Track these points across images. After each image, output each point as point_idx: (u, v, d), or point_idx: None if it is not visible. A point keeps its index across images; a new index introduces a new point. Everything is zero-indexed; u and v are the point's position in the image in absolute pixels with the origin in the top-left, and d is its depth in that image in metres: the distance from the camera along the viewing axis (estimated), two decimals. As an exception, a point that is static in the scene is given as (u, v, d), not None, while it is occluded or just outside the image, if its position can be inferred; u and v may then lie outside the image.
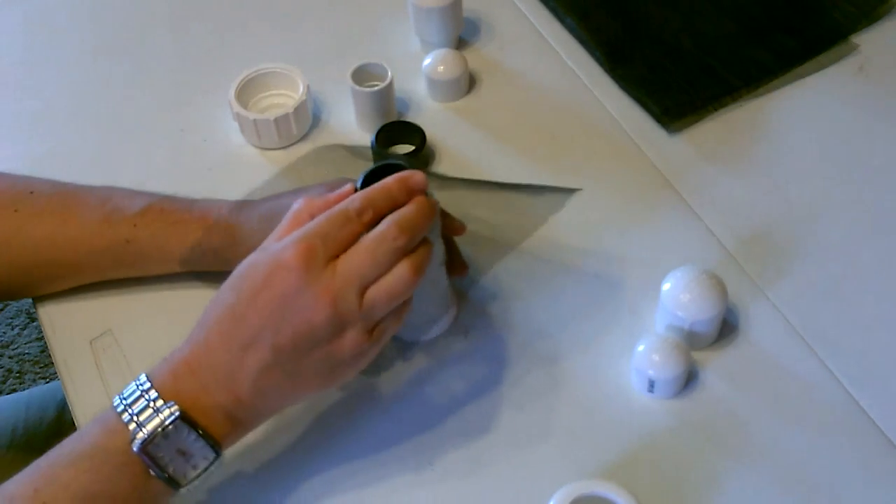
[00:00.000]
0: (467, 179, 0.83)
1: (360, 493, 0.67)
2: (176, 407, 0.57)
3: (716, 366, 0.72)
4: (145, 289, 0.77)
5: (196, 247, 0.72)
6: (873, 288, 0.76)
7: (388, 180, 0.60)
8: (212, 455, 0.58)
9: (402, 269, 0.59)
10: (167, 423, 0.57)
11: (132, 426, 0.57)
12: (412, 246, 0.59)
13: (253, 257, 0.59)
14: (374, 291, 0.58)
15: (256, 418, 0.61)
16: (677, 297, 0.70)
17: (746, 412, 0.70)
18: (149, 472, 0.57)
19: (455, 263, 0.71)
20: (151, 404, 0.57)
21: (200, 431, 0.57)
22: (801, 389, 0.71)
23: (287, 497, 0.67)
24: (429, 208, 0.60)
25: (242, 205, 0.73)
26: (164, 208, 0.72)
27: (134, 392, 0.58)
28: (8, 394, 1.61)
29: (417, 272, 0.59)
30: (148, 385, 0.58)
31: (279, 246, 0.58)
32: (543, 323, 0.75)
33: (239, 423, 0.60)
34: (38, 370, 1.66)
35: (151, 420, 0.57)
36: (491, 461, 0.68)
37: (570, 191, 0.82)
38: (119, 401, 0.58)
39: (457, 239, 0.72)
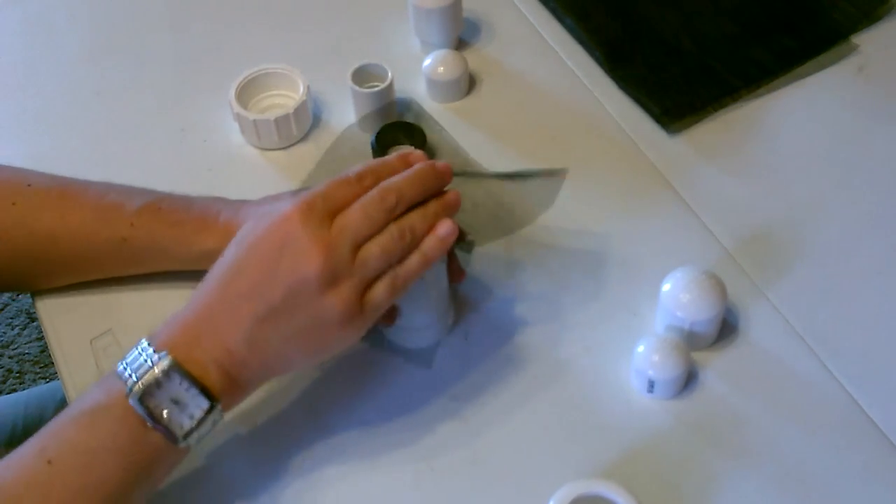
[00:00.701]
0: (463, 173, 0.83)
1: (360, 493, 0.67)
2: (168, 356, 0.58)
3: (716, 366, 0.72)
4: (145, 289, 0.77)
5: (193, 248, 0.72)
6: (873, 288, 0.76)
7: (390, 156, 0.63)
8: (206, 404, 0.58)
9: (394, 229, 0.61)
10: (159, 372, 0.57)
11: (129, 380, 0.58)
12: (402, 208, 0.61)
13: (257, 216, 0.61)
14: (367, 247, 0.60)
15: (249, 376, 0.61)
16: (677, 297, 0.70)
17: (746, 412, 0.70)
18: (146, 424, 0.57)
19: (452, 270, 0.71)
20: (145, 356, 0.58)
21: (193, 379, 0.58)
22: (801, 389, 0.71)
23: (286, 497, 0.67)
24: (423, 174, 0.62)
25: (240, 205, 0.73)
26: (161, 208, 0.72)
27: (133, 352, 0.59)
28: (8, 394, 1.61)
29: (409, 233, 0.61)
30: (146, 343, 0.59)
31: (282, 202, 0.60)
32: (543, 323, 0.75)
33: (232, 379, 0.60)
34: (38, 370, 1.66)
35: (146, 372, 0.58)
36: (490, 462, 0.68)
37: (559, 172, 0.82)
38: (122, 364, 0.59)
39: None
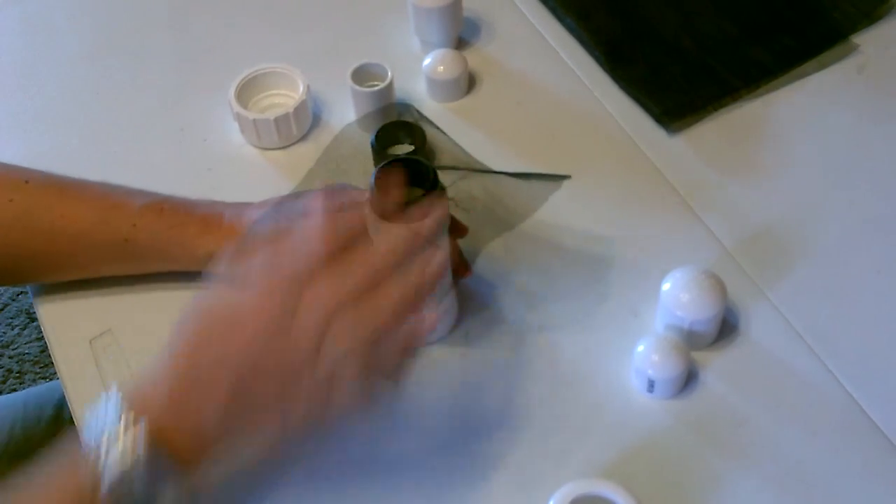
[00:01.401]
0: (462, 169, 0.83)
1: (360, 494, 0.67)
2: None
3: (716, 366, 0.72)
4: (145, 289, 0.77)
5: (196, 250, 0.72)
6: (873, 288, 0.76)
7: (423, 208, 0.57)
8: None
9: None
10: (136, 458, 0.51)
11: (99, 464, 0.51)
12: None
13: (240, 301, 0.54)
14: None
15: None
16: (677, 297, 0.70)
17: (746, 412, 0.70)
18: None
19: (457, 265, 0.71)
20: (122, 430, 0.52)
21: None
22: (801, 389, 0.71)
23: (284, 498, 0.67)
24: (437, 267, 0.56)
25: (244, 207, 0.73)
26: (164, 209, 0.72)
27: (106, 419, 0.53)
28: (7, 394, 1.61)
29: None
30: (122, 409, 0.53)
31: (272, 286, 0.53)
32: (543, 323, 0.75)
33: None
34: (38, 370, 1.66)
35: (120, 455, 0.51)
36: (490, 462, 0.68)
37: (560, 178, 0.82)
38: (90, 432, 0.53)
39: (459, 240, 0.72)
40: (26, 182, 0.73)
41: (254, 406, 0.54)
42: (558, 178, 0.82)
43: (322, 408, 0.54)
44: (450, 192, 0.81)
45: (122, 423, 0.52)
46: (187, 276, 0.76)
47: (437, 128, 0.85)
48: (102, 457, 0.51)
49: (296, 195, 0.73)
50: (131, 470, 0.51)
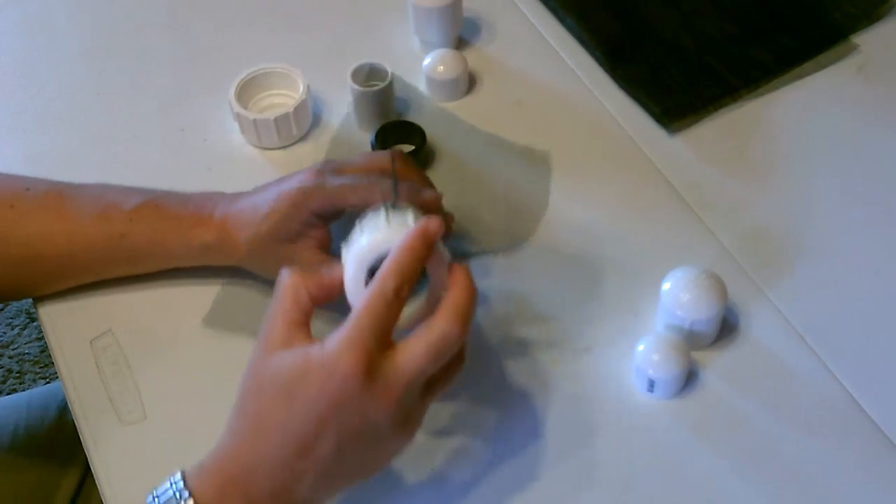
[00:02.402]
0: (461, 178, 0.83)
1: (360, 495, 0.67)
2: None
3: (716, 366, 0.72)
4: (145, 289, 0.77)
5: (191, 242, 0.72)
6: (873, 288, 0.76)
7: (410, 241, 0.56)
8: None
9: (459, 362, 0.60)
10: None
11: None
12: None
13: (292, 363, 0.55)
14: (437, 389, 0.59)
15: None
16: (677, 296, 0.70)
17: (746, 412, 0.70)
18: None
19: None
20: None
21: None
22: (801, 389, 0.71)
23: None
24: (471, 287, 0.58)
25: (235, 197, 0.73)
26: (158, 205, 0.72)
27: (171, 499, 0.56)
28: (8, 394, 1.61)
29: (466, 358, 0.60)
30: (188, 496, 0.56)
31: (330, 353, 0.54)
32: (543, 323, 0.75)
33: None
34: (38, 370, 1.66)
35: None
36: (490, 462, 0.68)
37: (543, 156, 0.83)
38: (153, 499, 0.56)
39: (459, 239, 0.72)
40: (27, 189, 0.74)
41: (320, 468, 0.56)
42: (540, 155, 0.82)
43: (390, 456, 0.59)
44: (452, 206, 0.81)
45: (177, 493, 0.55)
46: (188, 276, 0.76)
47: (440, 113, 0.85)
48: None
49: (279, 180, 0.72)
50: None
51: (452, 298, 0.57)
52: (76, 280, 0.76)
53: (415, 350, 0.55)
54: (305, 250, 0.69)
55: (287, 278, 0.58)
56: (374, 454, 0.57)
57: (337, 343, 0.54)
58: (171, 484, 0.57)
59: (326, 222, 0.70)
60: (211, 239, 0.71)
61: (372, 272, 0.58)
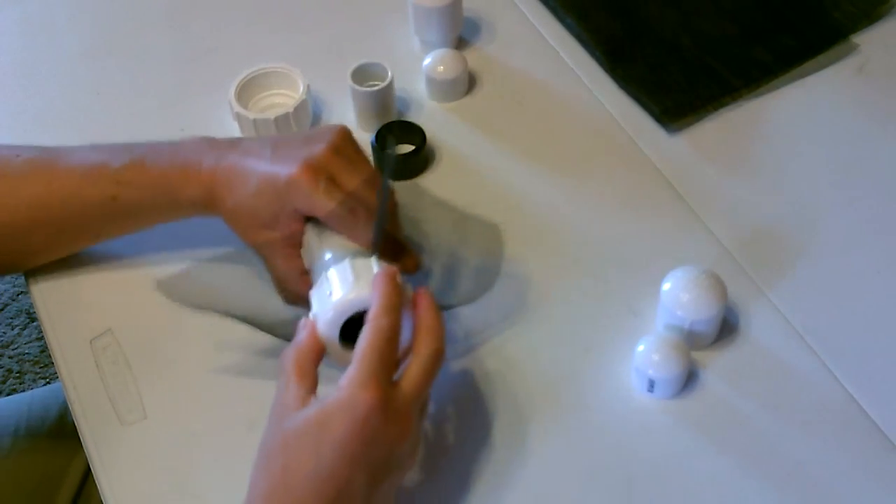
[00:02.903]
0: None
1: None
2: None
3: (716, 366, 0.72)
4: (145, 289, 0.77)
5: (179, 198, 0.71)
6: (873, 288, 0.76)
7: (387, 285, 0.61)
8: None
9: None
10: None
11: None
12: None
13: (312, 415, 0.57)
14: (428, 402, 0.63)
15: None
16: (677, 296, 0.70)
17: (746, 412, 0.70)
18: None
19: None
20: None
21: None
22: (801, 389, 0.71)
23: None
24: (436, 307, 0.63)
25: (224, 150, 0.71)
26: (146, 163, 0.72)
27: None
28: (8, 394, 1.61)
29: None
30: None
31: (347, 395, 0.57)
32: (543, 323, 0.75)
33: None
34: (38, 370, 1.66)
35: None
36: (490, 462, 0.68)
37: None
38: None
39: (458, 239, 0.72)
40: (17, 156, 0.74)
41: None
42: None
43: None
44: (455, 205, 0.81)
45: None
46: (187, 276, 0.76)
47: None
48: None
49: (269, 138, 0.72)
50: None
51: (426, 321, 0.62)
52: (74, 245, 0.76)
53: (415, 376, 0.60)
54: (277, 240, 0.68)
55: (292, 354, 0.61)
56: (397, 481, 0.61)
57: (349, 385, 0.57)
58: None
59: (304, 221, 0.69)
60: (197, 195, 0.70)
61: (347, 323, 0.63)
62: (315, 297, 0.65)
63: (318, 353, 0.62)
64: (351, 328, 0.63)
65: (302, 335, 0.62)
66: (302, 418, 0.57)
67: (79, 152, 0.74)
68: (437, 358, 0.61)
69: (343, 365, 0.60)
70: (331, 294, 0.63)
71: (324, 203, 0.66)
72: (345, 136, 0.70)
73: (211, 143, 0.72)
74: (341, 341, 0.63)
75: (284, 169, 0.66)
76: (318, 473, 0.56)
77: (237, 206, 0.69)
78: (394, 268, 0.64)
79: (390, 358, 0.59)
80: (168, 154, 0.72)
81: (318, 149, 0.67)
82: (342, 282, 0.63)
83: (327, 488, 0.56)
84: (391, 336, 0.59)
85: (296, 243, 0.69)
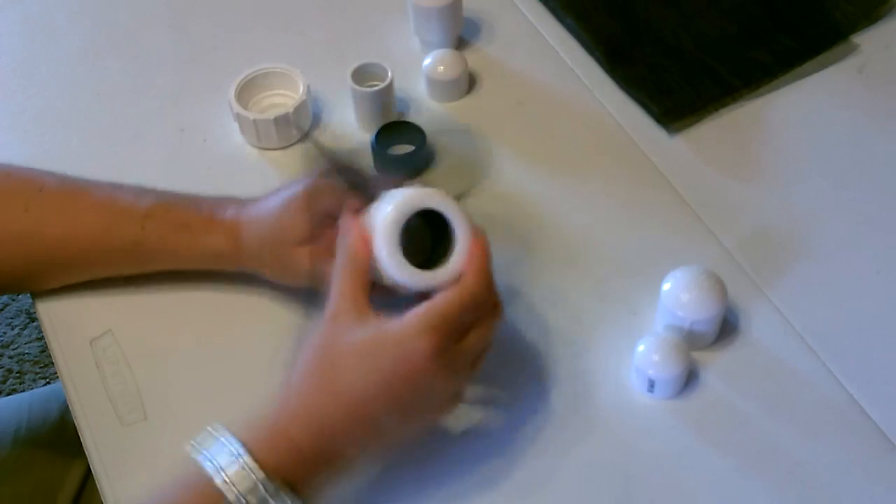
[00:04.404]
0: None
1: (356, 491, 0.67)
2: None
3: (716, 366, 0.72)
4: (145, 289, 0.77)
5: (203, 248, 0.72)
6: (873, 288, 0.76)
7: (481, 247, 0.62)
8: None
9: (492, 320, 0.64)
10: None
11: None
12: None
13: (369, 337, 0.59)
14: (481, 358, 0.63)
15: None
16: (677, 296, 0.70)
17: (746, 412, 0.70)
18: None
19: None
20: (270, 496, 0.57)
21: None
22: (801, 389, 0.71)
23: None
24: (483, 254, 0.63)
25: (244, 203, 0.73)
26: (169, 209, 0.73)
27: (239, 471, 0.57)
28: (8, 394, 1.61)
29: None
30: (275, 485, 0.57)
31: (408, 334, 0.58)
32: (543, 323, 0.75)
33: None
34: (38, 370, 1.66)
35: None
36: (490, 463, 0.68)
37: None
38: (222, 480, 0.57)
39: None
40: (40, 191, 0.74)
41: (376, 433, 0.61)
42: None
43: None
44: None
45: (241, 465, 0.57)
46: (188, 276, 0.76)
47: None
48: (227, 485, 0.56)
49: (284, 186, 0.72)
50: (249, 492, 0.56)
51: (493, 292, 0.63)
52: (93, 276, 0.77)
53: (478, 340, 0.61)
54: (311, 253, 0.68)
55: (352, 242, 0.61)
56: (428, 424, 0.64)
57: (417, 323, 0.58)
58: (225, 442, 0.58)
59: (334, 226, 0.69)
60: (222, 245, 0.71)
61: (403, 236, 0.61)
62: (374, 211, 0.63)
63: (368, 258, 0.61)
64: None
65: (353, 239, 0.62)
66: (359, 338, 0.59)
67: (103, 190, 0.74)
68: (497, 325, 0.62)
69: (392, 282, 0.61)
70: (381, 206, 0.62)
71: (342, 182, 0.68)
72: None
73: (231, 199, 0.74)
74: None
75: (299, 185, 0.69)
76: (357, 396, 0.59)
77: (262, 241, 0.70)
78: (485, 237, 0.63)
79: (465, 322, 0.60)
80: (192, 202, 0.73)
81: (319, 169, 0.71)
82: (392, 196, 0.62)
83: (361, 413, 0.59)
84: (477, 305, 0.61)
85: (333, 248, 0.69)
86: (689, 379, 0.71)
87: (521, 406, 0.70)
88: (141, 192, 0.74)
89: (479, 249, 0.62)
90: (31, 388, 1.54)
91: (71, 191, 0.74)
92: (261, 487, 0.56)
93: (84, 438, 0.71)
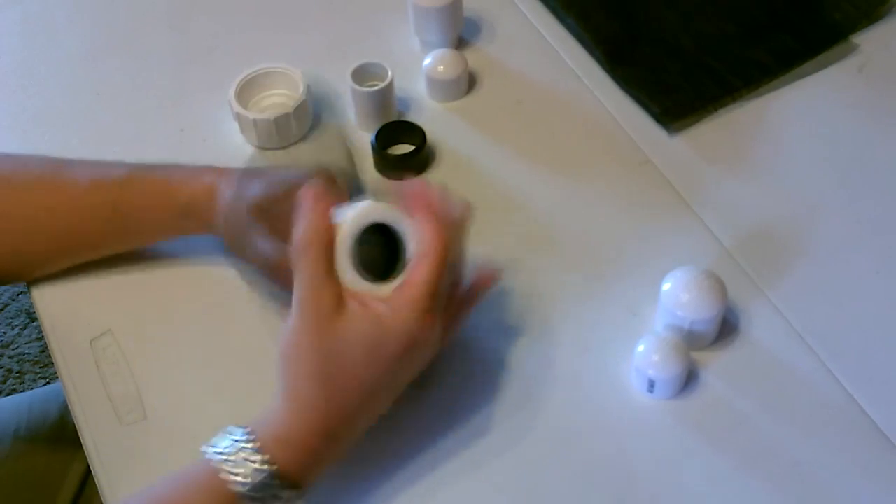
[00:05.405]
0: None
1: (356, 492, 0.67)
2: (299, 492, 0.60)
3: (716, 366, 0.72)
4: (145, 289, 0.77)
5: (179, 199, 0.72)
6: (873, 288, 0.76)
7: (442, 216, 0.62)
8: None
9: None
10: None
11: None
12: None
13: (368, 330, 0.60)
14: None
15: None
16: (677, 296, 0.70)
17: (746, 412, 0.70)
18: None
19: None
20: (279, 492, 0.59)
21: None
22: (801, 389, 0.71)
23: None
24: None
25: (224, 170, 0.73)
26: (146, 175, 0.73)
27: (247, 465, 0.59)
28: (8, 394, 1.61)
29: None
30: (274, 470, 0.59)
31: (405, 319, 0.60)
32: (543, 323, 0.75)
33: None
34: (38, 370, 1.66)
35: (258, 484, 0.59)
36: (490, 462, 0.68)
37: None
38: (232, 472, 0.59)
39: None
40: (24, 165, 0.75)
41: (376, 411, 0.64)
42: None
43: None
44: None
45: (248, 455, 0.59)
46: (188, 277, 0.76)
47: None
48: (235, 478, 0.58)
49: (269, 169, 0.73)
50: (260, 489, 0.58)
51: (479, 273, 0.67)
52: (75, 256, 0.77)
53: (460, 310, 0.66)
54: (273, 237, 0.68)
55: (317, 224, 0.61)
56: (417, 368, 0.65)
57: (410, 308, 0.60)
58: (262, 464, 0.59)
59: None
60: (198, 198, 0.72)
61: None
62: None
63: (331, 242, 0.62)
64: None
65: (311, 221, 0.61)
66: (360, 334, 0.60)
67: (83, 164, 0.75)
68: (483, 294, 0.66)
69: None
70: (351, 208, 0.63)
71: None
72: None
73: (210, 167, 0.74)
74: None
75: (300, 173, 0.69)
76: (368, 388, 0.61)
77: (238, 199, 0.70)
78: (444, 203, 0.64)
79: (445, 289, 0.62)
80: (171, 167, 0.74)
81: (295, 177, 0.70)
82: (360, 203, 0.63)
83: (369, 402, 0.62)
84: (451, 269, 0.62)
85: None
86: (689, 379, 0.71)
87: (520, 406, 0.70)
88: (116, 163, 0.75)
89: (429, 215, 0.62)
90: (31, 388, 1.54)
91: (52, 167, 0.75)
92: (269, 482, 0.58)
93: (84, 438, 0.71)
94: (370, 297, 0.61)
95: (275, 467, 0.58)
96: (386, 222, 0.62)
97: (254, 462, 0.58)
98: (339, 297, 0.61)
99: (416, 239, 0.62)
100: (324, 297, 0.60)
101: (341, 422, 0.61)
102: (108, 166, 0.75)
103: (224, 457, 0.58)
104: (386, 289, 0.62)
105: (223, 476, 0.58)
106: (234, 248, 0.73)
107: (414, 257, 0.62)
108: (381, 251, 0.64)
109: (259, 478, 0.58)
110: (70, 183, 0.74)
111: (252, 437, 0.59)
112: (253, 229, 0.69)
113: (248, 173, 0.72)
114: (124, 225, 0.74)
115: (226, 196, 0.71)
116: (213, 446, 0.59)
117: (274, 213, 0.68)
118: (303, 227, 0.61)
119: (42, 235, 0.75)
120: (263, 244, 0.69)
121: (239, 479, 0.58)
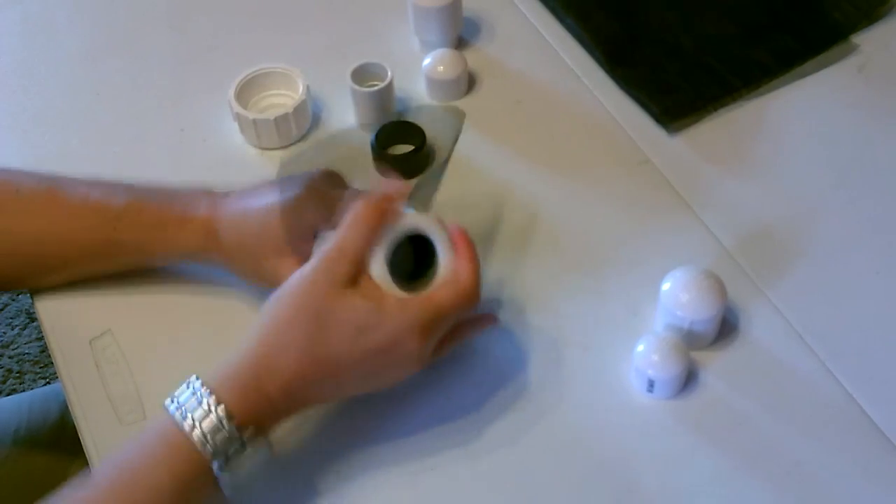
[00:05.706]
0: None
1: (357, 493, 0.67)
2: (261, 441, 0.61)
3: (716, 366, 0.72)
4: (145, 289, 0.77)
5: (176, 247, 0.73)
6: (873, 288, 0.76)
7: (471, 247, 0.65)
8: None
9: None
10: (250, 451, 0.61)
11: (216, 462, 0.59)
12: None
13: (365, 315, 0.62)
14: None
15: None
16: (677, 296, 0.70)
17: (746, 412, 0.70)
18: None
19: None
20: (235, 440, 0.60)
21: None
22: (800, 389, 0.71)
23: (278, 499, 0.67)
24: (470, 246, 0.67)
25: (221, 198, 0.72)
26: (143, 207, 0.73)
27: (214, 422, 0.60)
28: (8, 394, 1.61)
29: None
30: (222, 411, 0.60)
31: (401, 328, 0.62)
32: (543, 323, 0.75)
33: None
34: (38, 370, 1.66)
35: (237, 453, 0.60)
36: (490, 462, 0.68)
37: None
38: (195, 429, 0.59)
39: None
40: (17, 192, 0.74)
41: (343, 390, 0.66)
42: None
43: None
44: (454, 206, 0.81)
45: (207, 408, 0.59)
46: (188, 277, 0.76)
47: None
48: (197, 432, 0.59)
49: (271, 183, 0.73)
50: (221, 442, 0.59)
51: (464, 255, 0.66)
52: (72, 276, 0.77)
53: (458, 339, 0.67)
54: (288, 266, 0.68)
55: (361, 208, 0.63)
56: (386, 384, 0.66)
57: (413, 321, 0.62)
58: (198, 393, 0.60)
59: (314, 239, 0.70)
60: (196, 243, 0.72)
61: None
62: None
63: (380, 229, 0.64)
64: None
65: (381, 200, 0.64)
66: (356, 309, 0.61)
67: (79, 188, 0.74)
68: (470, 289, 0.65)
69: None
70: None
71: (332, 192, 0.70)
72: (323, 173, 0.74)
73: (208, 192, 0.74)
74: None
75: (290, 193, 0.69)
76: (342, 363, 0.62)
77: (240, 244, 0.70)
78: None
79: (452, 321, 0.64)
80: (166, 197, 0.73)
81: (309, 175, 0.72)
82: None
83: (338, 376, 0.63)
84: (471, 304, 0.64)
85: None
86: (689, 379, 0.71)
87: (520, 405, 0.70)
88: (117, 188, 0.74)
89: (471, 253, 0.65)
90: (31, 388, 1.54)
91: (48, 190, 0.74)
92: (227, 434, 0.59)
93: (84, 438, 0.71)
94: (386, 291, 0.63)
95: (221, 406, 0.59)
96: (429, 237, 0.65)
97: (223, 425, 0.59)
98: (357, 274, 0.62)
99: (448, 263, 0.65)
100: (344, 266, 0.62)
101: (301, 381, 0.62)
102: (104, 192, 0.74)
103: (176, 404, 0.60)
104: (402, 293, 0.63)
105: (179, 426, 0.59)
106: (245, 279, 0.73)
107: (443, 279, 0.64)
108: (409, 260, 0.67)
109: (209, 418, 0.59)
110: (66, 212, 0.73)
111: (203, 381, 0.60)
112: (275, 272, 0.69)
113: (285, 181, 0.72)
114: (119, 255, 0.74)
115: (232, 237, 0.71)
116: (179, 406, 0.60)
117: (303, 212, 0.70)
118: (373, 200, 0.63)
119: (40, 258, 0.75)
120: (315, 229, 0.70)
121: (191, 423, 0.59)
